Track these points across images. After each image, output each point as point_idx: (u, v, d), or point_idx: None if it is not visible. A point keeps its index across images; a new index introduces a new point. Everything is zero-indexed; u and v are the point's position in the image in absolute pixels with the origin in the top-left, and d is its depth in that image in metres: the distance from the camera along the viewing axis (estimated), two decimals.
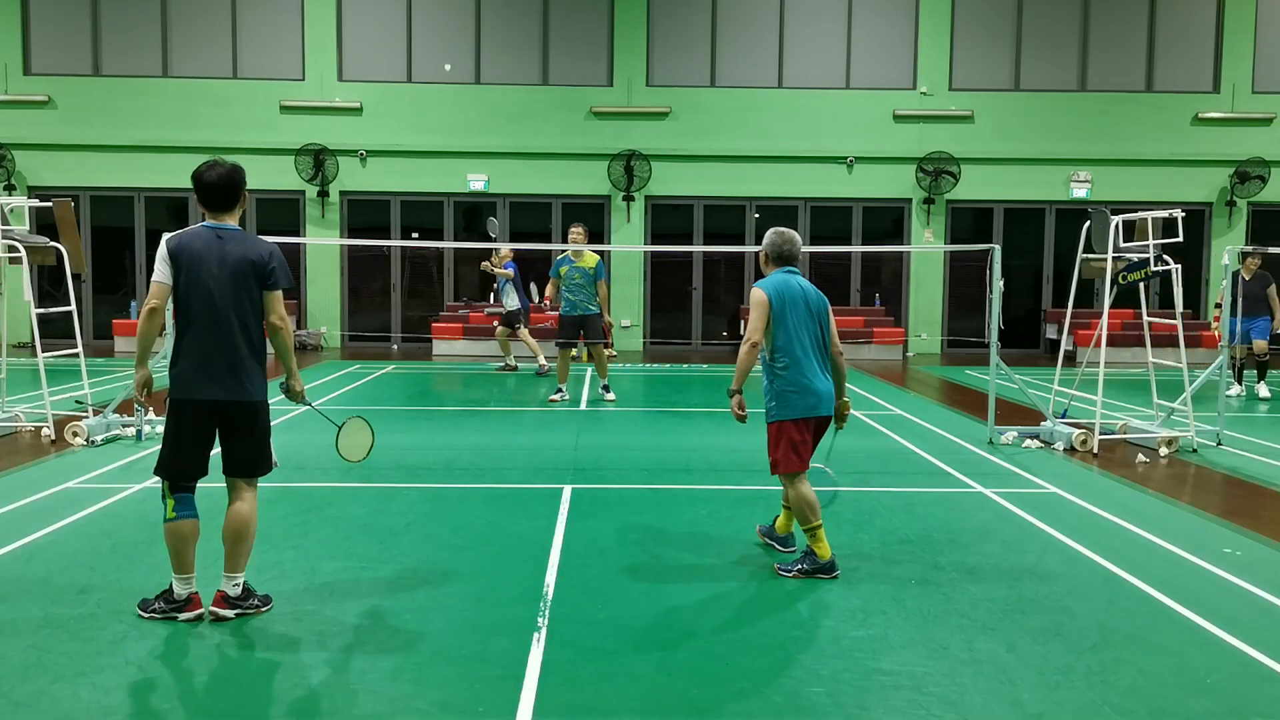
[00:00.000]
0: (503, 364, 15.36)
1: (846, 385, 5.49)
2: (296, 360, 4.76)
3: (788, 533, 5.67)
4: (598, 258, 11.79)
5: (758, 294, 5.25)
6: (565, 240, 12.18)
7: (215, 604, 4.48)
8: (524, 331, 14.77)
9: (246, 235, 4.57)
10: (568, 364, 11.93)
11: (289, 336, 4.61)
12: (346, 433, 5.12)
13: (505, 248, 14.49)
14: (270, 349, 4.63)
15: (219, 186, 4.49)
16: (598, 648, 4.25)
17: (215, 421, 4.51)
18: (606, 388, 11.95)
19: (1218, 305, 12.63)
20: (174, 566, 4.50)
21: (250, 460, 4.58)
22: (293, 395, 4.73)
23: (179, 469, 4.52)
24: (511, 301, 14.70)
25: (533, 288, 14.64)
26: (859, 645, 4.29)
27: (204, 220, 4.57)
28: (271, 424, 4.68)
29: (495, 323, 15.61)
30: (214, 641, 4.25)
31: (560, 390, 11.75)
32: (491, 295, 15.64)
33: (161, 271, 4.46)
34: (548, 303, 12.29)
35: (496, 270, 14.67)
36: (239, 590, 4.53)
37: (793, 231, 5.46)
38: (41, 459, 8.08)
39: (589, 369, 13.91)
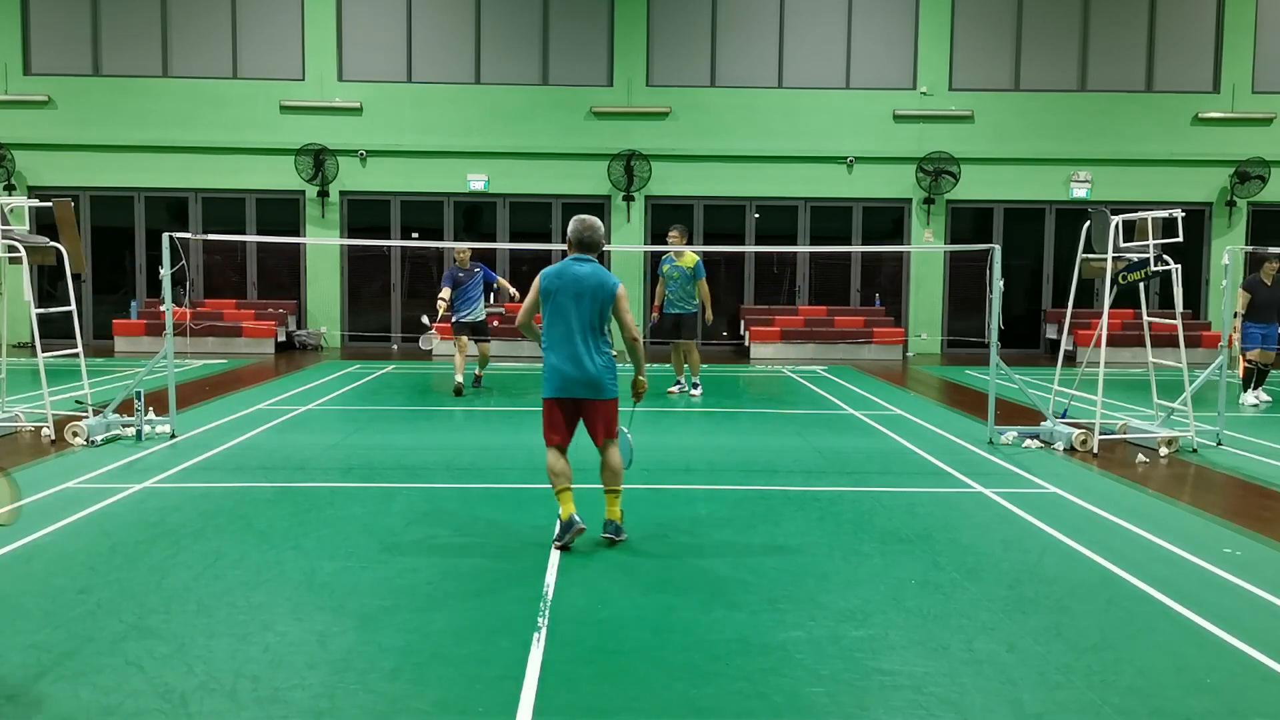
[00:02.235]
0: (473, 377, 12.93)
1: (644, 365, 5.87)
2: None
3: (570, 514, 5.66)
4: (697, 258, 12.19)
5: (536, 280, 5.70)
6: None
7: None
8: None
9: None
10: (678, 358, 12.60)
11: None
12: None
13: (463, 247, 12.51)
14: None
15: None
16: (598, 648, 4.25)
17: None
18: (696, 385, 12.46)
19: (1237, 315, 12.38)
20: None
21: None
22: None
23: None
24: (482, 305, 12.46)
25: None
26: (859, 645, 4.29)
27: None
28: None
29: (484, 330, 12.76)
30: (212, 641, 4.25)
31: (679, 383, 12.54)
32: (445, 306, 12.25)
33: None
34: (655, 315, 12.59)
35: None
36: None
37: (595, 220, 5.77)
38: (41, 459, 8.08)
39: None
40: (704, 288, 12.22)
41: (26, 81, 18.85)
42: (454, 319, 12.27)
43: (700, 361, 12.89)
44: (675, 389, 12.54)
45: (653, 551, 5.67)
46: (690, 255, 12.14)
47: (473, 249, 12.48)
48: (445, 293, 12.11)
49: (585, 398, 5.62)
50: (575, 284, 5.57)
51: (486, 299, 12.49)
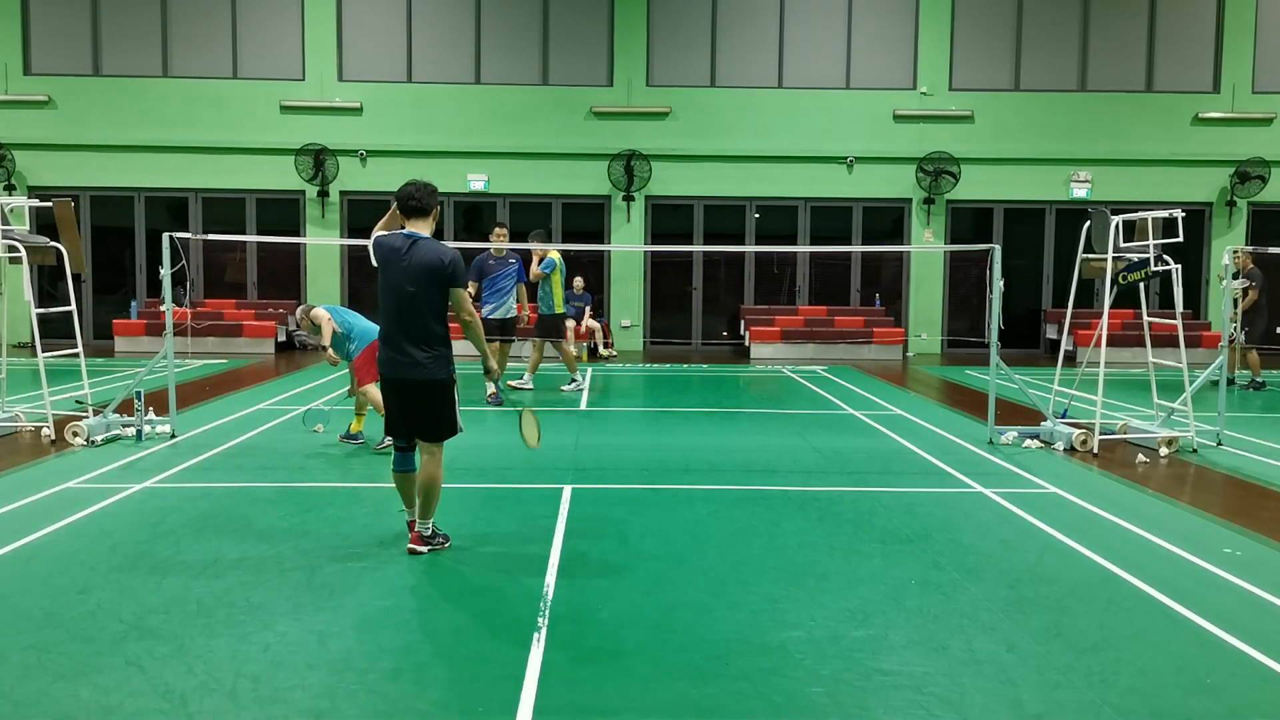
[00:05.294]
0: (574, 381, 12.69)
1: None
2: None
3: (359, 430, 8.66)
4: (545, 255, 11.78)
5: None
6: (553, 240, 12.31)
7: (413, 541, 5.53)
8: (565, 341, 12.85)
9: (431, 242, 5.43)
10: (537, 355, 12.65)
11: (478, 329, 5.55)
12: (526, 424, 6.18)
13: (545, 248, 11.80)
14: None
15: (405, 197, 5.46)
16: (598, 648, 4.25)
17: (404, 396, 5.47)
18: (574, 379, 12.75)
19: None
20: (404, 502, 5.75)
21: (427, 428, 5.53)
22: (490, 377, 5.90)
23: (390, 430, 5.78)
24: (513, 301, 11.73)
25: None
26: (859, 645, 4.29)
27: (402, 228, 5.53)
28: (455, 398, 5.53)
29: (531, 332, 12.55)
30: (212, 641, 4.25)
31: (575, 379, 12.76)
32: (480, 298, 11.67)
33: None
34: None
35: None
36: (429, 531, 5.57)
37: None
38: (41, 459, 8.07)
39: (589, 369, 13.91)
40: (522, 289, 11.59)
41: (26, 81, 18.85)
42: (481, 315, 11.02)
43: (571, 356, 13.01)
44: (513, 382, 12.52)
45: (653, 551, 5.67)
46: (548, 254, 11.78)
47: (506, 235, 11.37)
48: (471, 288, 10.89)
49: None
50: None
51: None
